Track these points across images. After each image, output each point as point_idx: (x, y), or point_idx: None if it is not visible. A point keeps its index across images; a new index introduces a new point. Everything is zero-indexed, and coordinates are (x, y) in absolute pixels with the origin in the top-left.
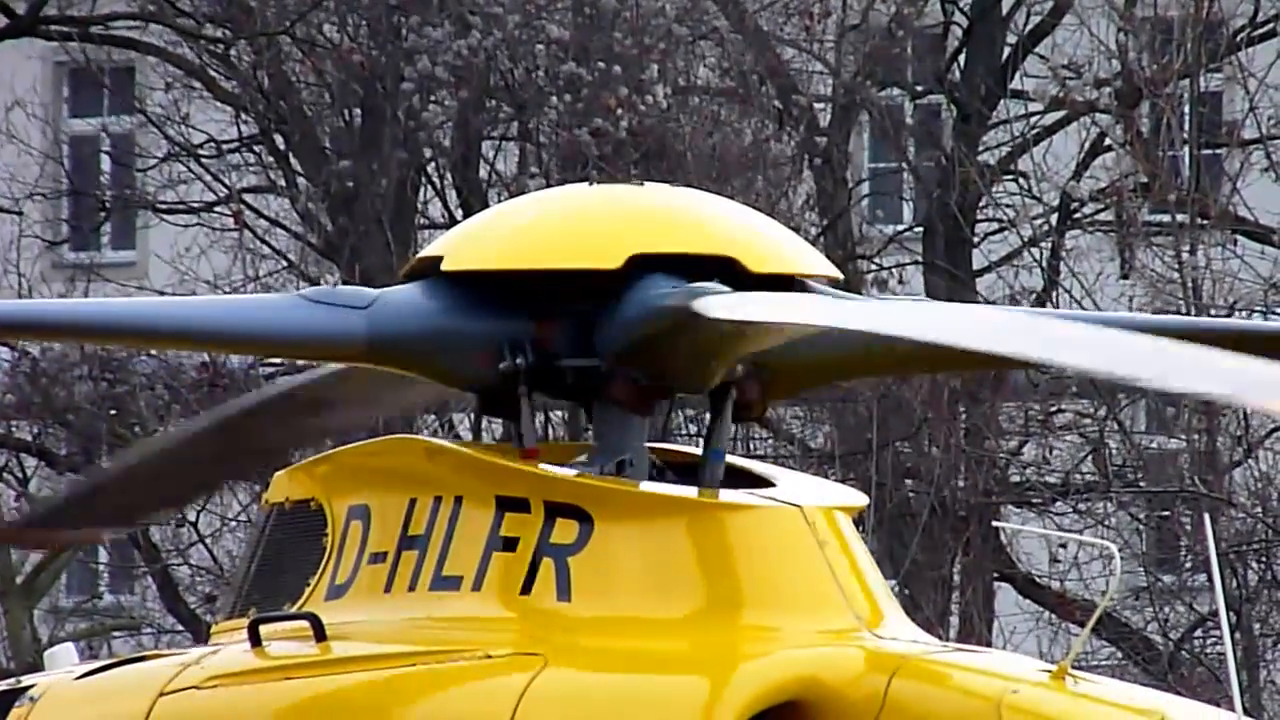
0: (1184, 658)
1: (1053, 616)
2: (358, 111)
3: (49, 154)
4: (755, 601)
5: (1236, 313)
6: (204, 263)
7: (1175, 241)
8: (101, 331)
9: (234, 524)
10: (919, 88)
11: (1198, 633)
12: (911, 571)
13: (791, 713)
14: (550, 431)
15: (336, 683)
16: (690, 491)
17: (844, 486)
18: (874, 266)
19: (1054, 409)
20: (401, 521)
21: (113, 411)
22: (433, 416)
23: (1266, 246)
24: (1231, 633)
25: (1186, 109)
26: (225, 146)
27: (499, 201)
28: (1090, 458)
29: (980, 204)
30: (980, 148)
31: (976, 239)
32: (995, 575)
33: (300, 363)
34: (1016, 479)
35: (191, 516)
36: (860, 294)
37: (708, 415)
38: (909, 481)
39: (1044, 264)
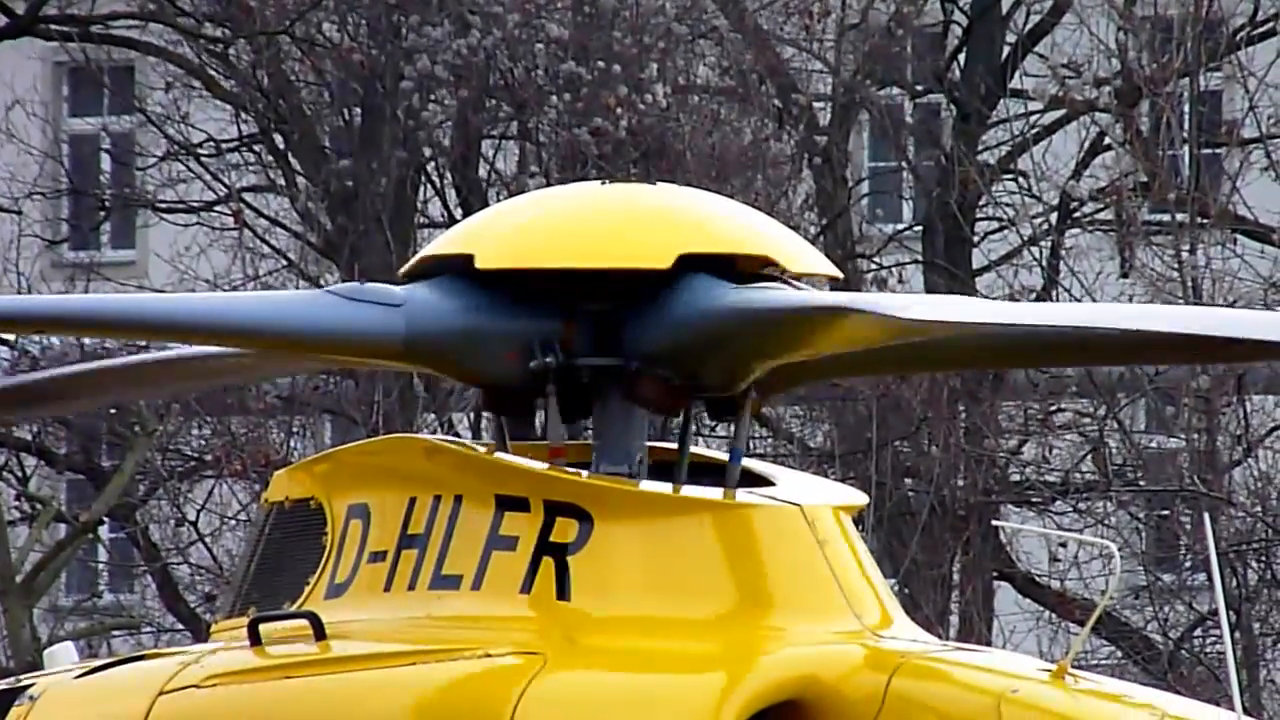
0: (1184, 657)
1: (1052, 616)
2: (357, 111)
3: (49, 153)
4: (756, 600)
5: None
6: (203, 262)
7: (1175, 241)
8: (130, 327)
9: (234, 523)
10: (919, 87)
11: (1197, 632)
12: (911, 570)
13: (792, 711)
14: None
15: (336, 682)
16: (691, 491)
17: (844, 486)
18: (874, 265)
19: (1054, 408)
20: (401, 520)
21: (113, 411)
22: (432, 416)
23: (1266, 246)
24: (1231, 632)
25: (1186, 108)
26: (225, 145)
27: (498, 201)
28: (1090, 457)
29: (980, 203)
30: (980, 147)
31: (976, 238)
32: (995, 574)
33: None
34: (1016, 478)
35: (191, 516)
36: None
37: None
38: (909, 480)
39: (1044, 263)
